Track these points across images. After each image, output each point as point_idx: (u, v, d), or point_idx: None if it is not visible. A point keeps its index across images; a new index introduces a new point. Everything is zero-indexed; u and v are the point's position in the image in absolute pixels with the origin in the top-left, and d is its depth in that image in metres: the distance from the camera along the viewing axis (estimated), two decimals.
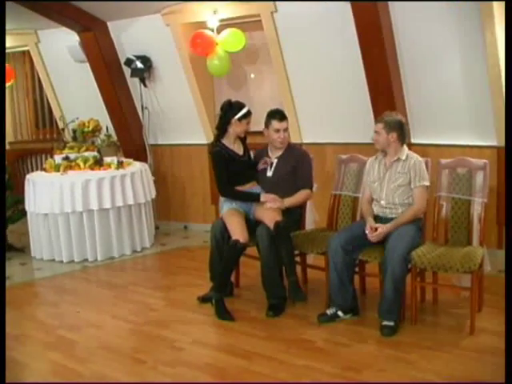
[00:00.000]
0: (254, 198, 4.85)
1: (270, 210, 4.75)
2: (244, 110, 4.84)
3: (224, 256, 4.75)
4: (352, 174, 5.10)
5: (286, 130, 4.99)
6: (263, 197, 4.82)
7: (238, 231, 4.66)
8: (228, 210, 4.85)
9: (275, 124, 4.95)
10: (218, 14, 6.32)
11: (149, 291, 5.43)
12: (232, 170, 4.84)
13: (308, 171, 5.06)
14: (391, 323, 4.20)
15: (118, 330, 4.61)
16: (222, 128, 4.89)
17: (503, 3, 4.68)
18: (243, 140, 5.00)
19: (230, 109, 4.84)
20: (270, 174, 5.04)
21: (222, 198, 5.02)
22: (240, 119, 4.82)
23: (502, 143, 5.38)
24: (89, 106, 7.63)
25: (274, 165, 5.04)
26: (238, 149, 4.94)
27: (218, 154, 4.86)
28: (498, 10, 4.90)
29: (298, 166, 4.99)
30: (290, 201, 4.90)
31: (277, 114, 4.99)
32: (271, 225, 4.63)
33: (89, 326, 4.68)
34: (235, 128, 4.84)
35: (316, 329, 4.41)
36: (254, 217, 4.88)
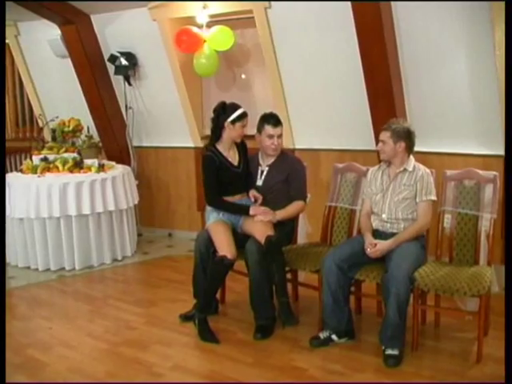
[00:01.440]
0: (243, 211, 4.46)
1: (260, 223, 4.37)
2: (238, 112, 4.41)
3: (209, 272, 4.36)
4: (349, 185, 4.73)
5: (280, 136, 4.62)
6: (253, 210, 4.43)
7: (224, 246, 4.28)
8: (214, 221, 4.46)
9: (269, 129, 4.58)
10: (207, 9, 5.94)
11: (128, 306, 5.04)
12: (221, 180, 4.44)
13: (302, 181, 4.68)
14: (395, 352, 3.82)
15: (92, 351, 4.21)
16: (215, 132, 4.48)
17: None
18: (241, 147, 4.59)
19: (223, 111, 4.42)
20: (260, 182, 4.67)
21: (208, 208, 4.63)
22: (233, 122, 4.39)
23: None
24: (70, 104, 7.28)
25: (265, 173, 4.68)
26: (233, 157, 4.52)
27: (208, 159, 4.44)
28: None
29: (291, 175, 4.62)
30: (282, 213, 4.52)
31: (271, 119, 4.62)
32: (262, 239, 4.26)
33: (61, 345, 4.30)
34: (229, 132, 4.42)
35: (308, 354, 4.04)
36: (241, 230, 4.49)
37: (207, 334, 4.26)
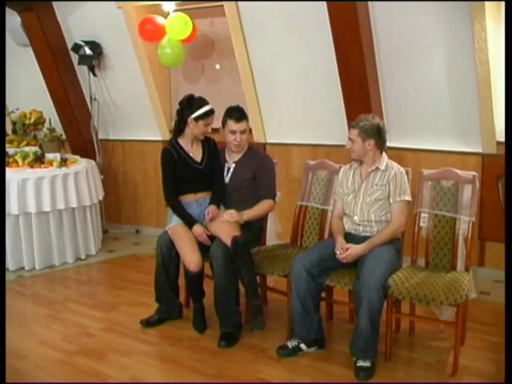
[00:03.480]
0: (189, 224, 4.22)
1: (226, 224, 4.12)
2: (203, 109, 4.17)
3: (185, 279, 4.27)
4: (321, 183, 4.48)
5: (243, 132, 4.34)
6: (195, 229, 4.18)
7: (188, 255, 4.07)
8: (176, 225, 4.22)
9: (231, 125, 4.31)
10: None
11: (88, 310, 4.77)
12: (180, 176, 4.26)
13: (271, 179, 4.43)
14: (367, 364, 3.59)
15: (45, 362, 3.92)
16: (178, 126, 4.27)
17: None
18: (207, 144, 4.36)
19: (188, 106, 4.19)
20: (226, 180, 4.42)
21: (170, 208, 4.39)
22: (197, 119, 4.17)
23: (488, 150, 4.94)
24: (33, 95, 6.96)
25: (232, 170, 4.42)
26: (196, 152, 4.31)
27: (166, 153, 4.26)
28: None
29: (259, 172, 4.37)
30: (249, 214, 4.28)
31: (234, 113, 4.34)
32: (228, 241, 4.00)
33: (11, 356, 3.94)
34: (192, 129, 4.21)
35: (275, 365, 3.80)
36: (205, 228, 4.22)
37: (197, 324, 4.29)
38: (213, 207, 4.23)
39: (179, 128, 4.27)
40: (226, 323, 4.11)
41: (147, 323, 4.39)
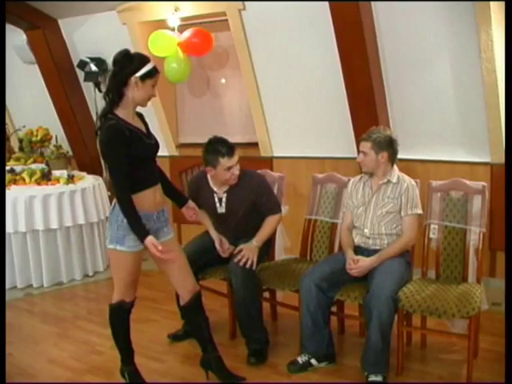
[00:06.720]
0: (141, 235, 3.25)
1: (178, 268, 3.58)
2: (149, 66, 3.20)
3: (113, 325, 3.75)
4: (329, 197, 4.45)
5: (237, 162, 4.04)
6: (150, 241, 3.25)
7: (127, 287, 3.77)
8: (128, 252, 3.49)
9: (226, 162, 3.95)
10: (179, 11, 5.65)
11: (96, 327, 4.73)
12: (136, 159, 3.20)
13: (271, 197, 4.24)
14: (379, 378, 3.53)
15: (54, 381, 3.89)
16: (115, 92, 3.18)
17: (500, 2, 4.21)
18: (138, 114, 3.40)
19: (129, 62, 3.16)
20: (222, 210, 4.21)
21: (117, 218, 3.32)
22: (143, 78, 3.17)
23: (497, 160, 4.88)
24: (39, 113, 7.00)
25: (225, 200, 4.18)
26: (139, 125, 3.31)
27: (115, 128, 3.13)
28: (495, 8, 4.35)
29: (258, 198, 4.15)
30: (260, 238, 4.13)
31: (223, 148, 3.95)
32: (186, 295, 3.61)
33: (19, 375, 3.97)
34: (136, 92, 3.18)
35: (285, 380, 3.75)
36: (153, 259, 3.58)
37: None
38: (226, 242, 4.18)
39: (118, 95, 3.18)
40: (252, 340, 4.04)
41: (174, 337, 4.36)
